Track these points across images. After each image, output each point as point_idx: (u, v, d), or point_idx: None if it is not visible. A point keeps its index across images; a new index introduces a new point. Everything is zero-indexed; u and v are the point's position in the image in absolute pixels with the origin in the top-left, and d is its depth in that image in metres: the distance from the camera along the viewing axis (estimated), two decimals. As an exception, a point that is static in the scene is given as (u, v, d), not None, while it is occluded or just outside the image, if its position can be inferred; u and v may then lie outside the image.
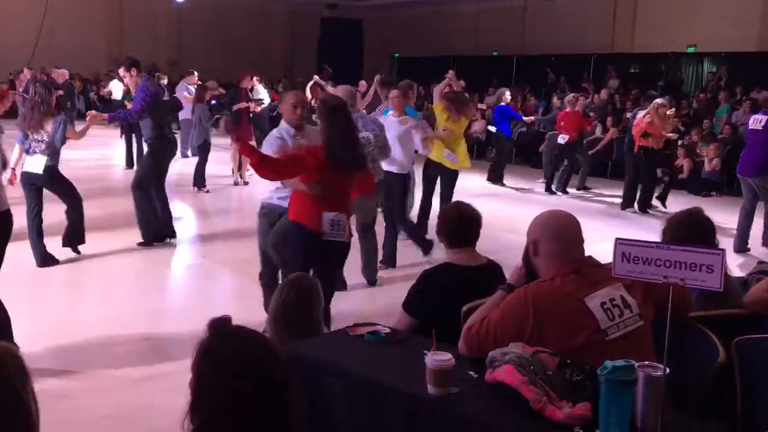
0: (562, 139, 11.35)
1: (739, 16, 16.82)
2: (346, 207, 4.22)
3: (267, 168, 3.98)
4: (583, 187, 11.75)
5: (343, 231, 4.15)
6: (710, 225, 3.09)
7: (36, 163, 6.08)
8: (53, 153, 6.10)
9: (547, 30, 20.55)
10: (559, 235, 2.47)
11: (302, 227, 4.12)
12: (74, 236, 6.45)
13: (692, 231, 2.95)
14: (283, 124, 4.82)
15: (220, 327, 1.63)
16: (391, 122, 6.45)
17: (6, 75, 20.18)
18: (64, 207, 6.37)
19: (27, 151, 6.15)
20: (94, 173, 10.99)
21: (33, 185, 6.20)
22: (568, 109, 11.47)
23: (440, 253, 5.92)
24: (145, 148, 7.30)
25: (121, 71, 7.01)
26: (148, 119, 6.83)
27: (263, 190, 5.02)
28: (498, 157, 12.46)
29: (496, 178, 12.16)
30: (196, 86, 12.02)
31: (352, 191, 4.33)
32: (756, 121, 7.50)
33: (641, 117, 9.63)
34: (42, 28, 18.53)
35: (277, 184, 4.64)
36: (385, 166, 6.24)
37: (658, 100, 9.92)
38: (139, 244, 6.95)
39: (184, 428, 1.57)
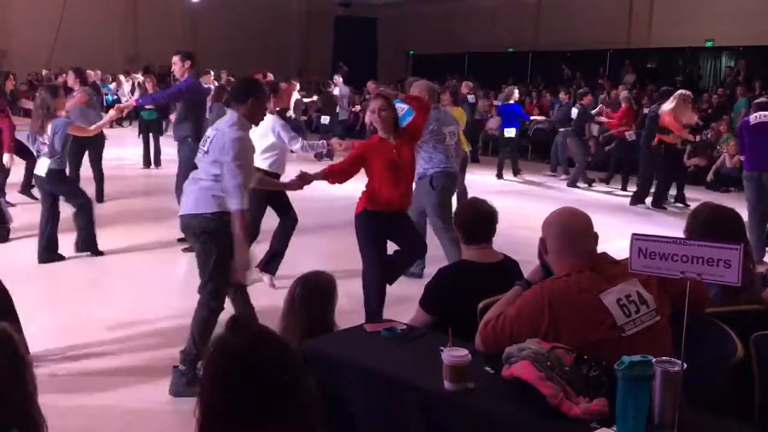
0: (630, 136, 11.35)
1: (757, 9, 16.63)
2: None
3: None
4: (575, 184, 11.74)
5: None
6: (741, 220, 3.07)
7: (41, 166, 6.19)
8: (55, 156, 6.13)
9: (562, 26, 20.42)
10: (564, 232, 2.47)
11: None
12: (87, 241, 6.52)
13: (719, 225, 2.91)
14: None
15: (236, 322, 1.65)
16: None
17: (25, 75, 20.44)
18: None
19: (37, 154, 6.27)
20: (111, 173, 11.01)
21: (43, 189, 6.33)
22: (626, 106, 11.36)
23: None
24: (179, 149, 7.08)
25: (177, 59, 6.85)
26: (187, 120, 6.79)
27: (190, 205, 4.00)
28: (500, 152, 12.81)
29: (498, 172, 12.56)
30: (212, 86, 12.05)
31: None
32: (759, 116, 7.35)
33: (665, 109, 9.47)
34: (59, 30, 18.69)
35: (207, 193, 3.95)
36: None
37: (683, 91, 9.78)
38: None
39: (196, 416, 1.59)
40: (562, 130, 12.54)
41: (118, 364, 4.35)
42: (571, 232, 2.47)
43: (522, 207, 9.20)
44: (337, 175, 4.62)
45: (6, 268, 5.78)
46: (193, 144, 6.64)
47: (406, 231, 4.81)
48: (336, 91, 15.40)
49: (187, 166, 6.56)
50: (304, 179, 4.54)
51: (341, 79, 16.19)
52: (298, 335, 2.84)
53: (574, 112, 12.05)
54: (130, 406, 3.81)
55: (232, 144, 3.83)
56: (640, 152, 10.31)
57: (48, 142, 6.11)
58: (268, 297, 5.12)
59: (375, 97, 4.80)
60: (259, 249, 5.63)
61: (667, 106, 9.41)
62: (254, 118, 4.06)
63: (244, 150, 3.89)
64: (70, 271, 6.31)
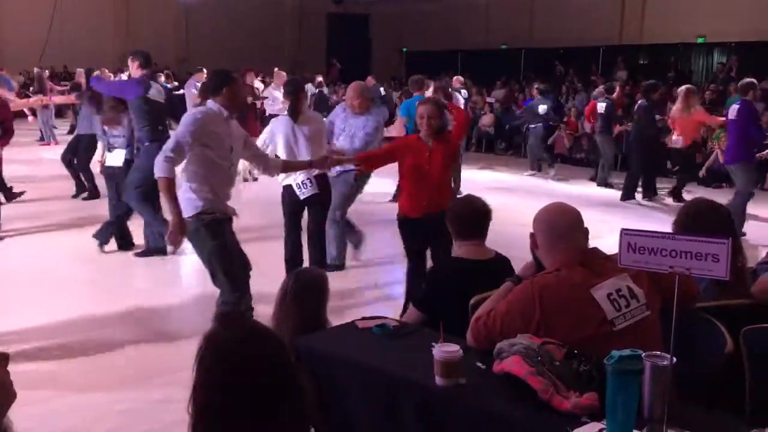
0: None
1: (748, 5, 16.69)
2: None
3: None
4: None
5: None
6: (730, 216, 3.08)
7: (116, 158, 6.59)
8: (129, 146, 6.53)
9: (556, 22, 20.46)
10: (552, 227, 2.48)
11: None
12: (113, 234, 6.73)
13: (708, 220, 2.93)
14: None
15: (227, 319, 1.64)
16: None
17: (16, 74, 20.34)
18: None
19: (108, 148, 6.69)
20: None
21: (114, 180, 6.63)
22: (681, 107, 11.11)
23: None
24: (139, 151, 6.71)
25: (129, 60, 6.85)
26: (139, 123, 6.39)
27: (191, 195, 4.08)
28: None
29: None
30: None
31: None
32: (733, 111, 7.64)
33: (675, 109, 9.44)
34: (51, 27, 18.60)
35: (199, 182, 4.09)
36: None
37: (689, 86, 9.75)
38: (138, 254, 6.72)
39: (189, 413, 1.58)
40: (532, 126, 12.03)
41: (112, 363, 4.36)
42: (559, 227, 2.48)
43: (517, 204, 9.20)
44: (368, 162, 4.82)
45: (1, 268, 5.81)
46: (149, 147, 6.15)
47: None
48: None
49: (145, 173, 5.78)
50: (328, 161, 4.80)
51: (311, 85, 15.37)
52: (291, 331, 2.84)
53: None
54: (123, 406, 3.80)
55: (183, 118, 4.07)
56: (631, 146, 10.32)
57: (126, 134, 6.51)
58: (264, 297, 5.14)
59: (426, 101, 4.80)
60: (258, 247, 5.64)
61: (692, 106, 9.35)
62: (232, 105, 4.19)
63: (188, 122, 4.03)
64: (64, 270, 6.29)
